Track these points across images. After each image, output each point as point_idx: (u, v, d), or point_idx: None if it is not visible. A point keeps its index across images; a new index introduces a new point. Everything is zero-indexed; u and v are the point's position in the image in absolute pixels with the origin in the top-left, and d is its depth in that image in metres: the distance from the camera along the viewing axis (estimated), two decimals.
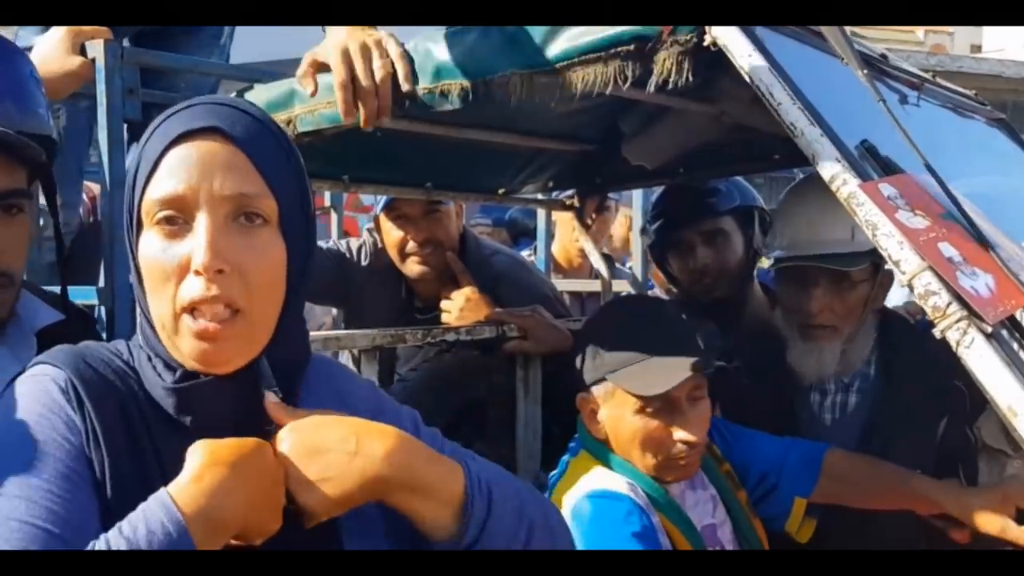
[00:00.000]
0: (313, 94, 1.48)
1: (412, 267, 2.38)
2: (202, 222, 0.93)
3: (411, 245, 2.36)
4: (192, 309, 0.93)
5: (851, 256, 1.85)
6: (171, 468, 0.91)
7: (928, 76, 1.75)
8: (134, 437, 0.95)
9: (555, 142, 2.20)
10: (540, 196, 2.77)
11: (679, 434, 1.55)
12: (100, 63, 1.64)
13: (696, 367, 1.52)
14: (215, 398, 0.96)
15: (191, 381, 0.96)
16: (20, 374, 0.99)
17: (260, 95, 1.65)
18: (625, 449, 1.60)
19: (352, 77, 1.42)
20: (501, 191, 2.57)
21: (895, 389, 1.92)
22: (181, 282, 0.93)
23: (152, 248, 0.95)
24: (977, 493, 1.62)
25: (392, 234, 2.39)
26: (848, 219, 1.86)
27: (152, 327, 0.98)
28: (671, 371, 1.53)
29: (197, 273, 0.92)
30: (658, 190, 2.65)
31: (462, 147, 2.01)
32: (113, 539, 0.83)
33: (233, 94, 1.67)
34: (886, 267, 1.93)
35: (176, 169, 0.94)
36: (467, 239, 2.47)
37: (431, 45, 1.44)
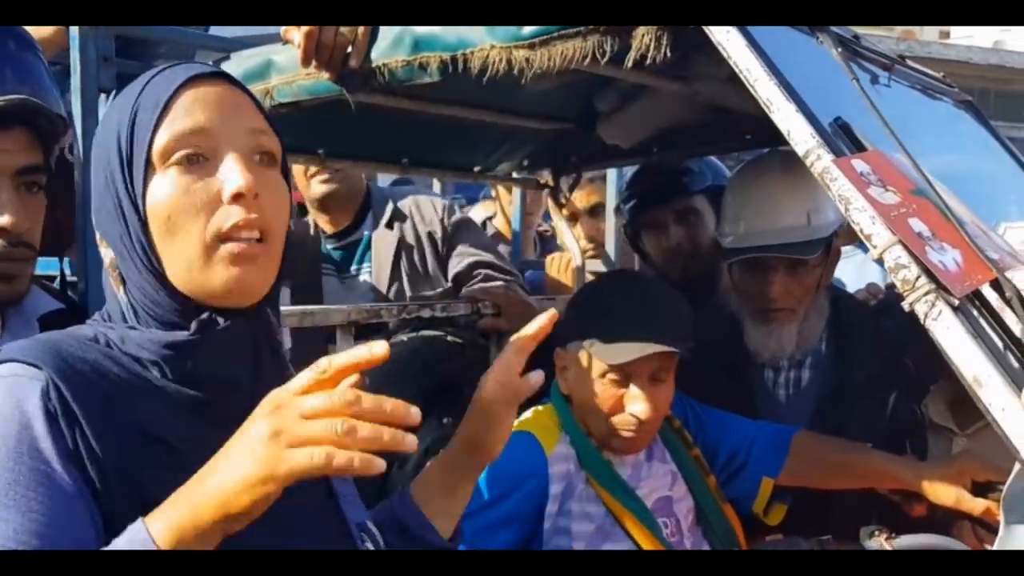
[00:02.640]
0: (299, 47, 1.49)
1: (316, 188, 2.38)
2: (230, 154, 0.94)
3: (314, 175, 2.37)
4: (227, 238, 0.93)
5: (809, 243, 1.89)
6: (181, 443, 0.90)
7: (898, 58, 1.77)
8: (124, 425, 0.90)
9: (531, 120, 2.20)
10: (515, 175, 2.78)
11: (631, 407, 1.63)
12: (74, 30, 1.62)
13: (659, 350, 1.59)
14: (234, 343, 0.95)
15: (211, 329, 0.94)
16: None
17: (237, 65, 1.64)
18: (582, 409, 1.69)
19: (320, 30, 1.46)
20: (476, 168, 2.58)
21: (847, 365, 1.97)
22: (212, 214, 0.93)
23: (173, 187, 0.93)
24: (934, 467, 1.67)
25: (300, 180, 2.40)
26: (803, 204, 1.92)
27: (161, 279, 0.94)
28: (636, 347, 1.59)
29: (236, 197, 0.92)
30: (630, 170, 2.67)
31: (438, 124, 2.01)
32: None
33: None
34: (836, 242, 1.98)
35: (193, 107, 0.95)
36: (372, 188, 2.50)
37: None
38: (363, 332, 2.10)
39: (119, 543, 0.80)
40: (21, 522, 0.82)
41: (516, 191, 2.96)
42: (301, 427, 0.78)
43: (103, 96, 1.73)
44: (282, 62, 1.59)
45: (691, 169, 2.45)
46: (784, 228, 1.90)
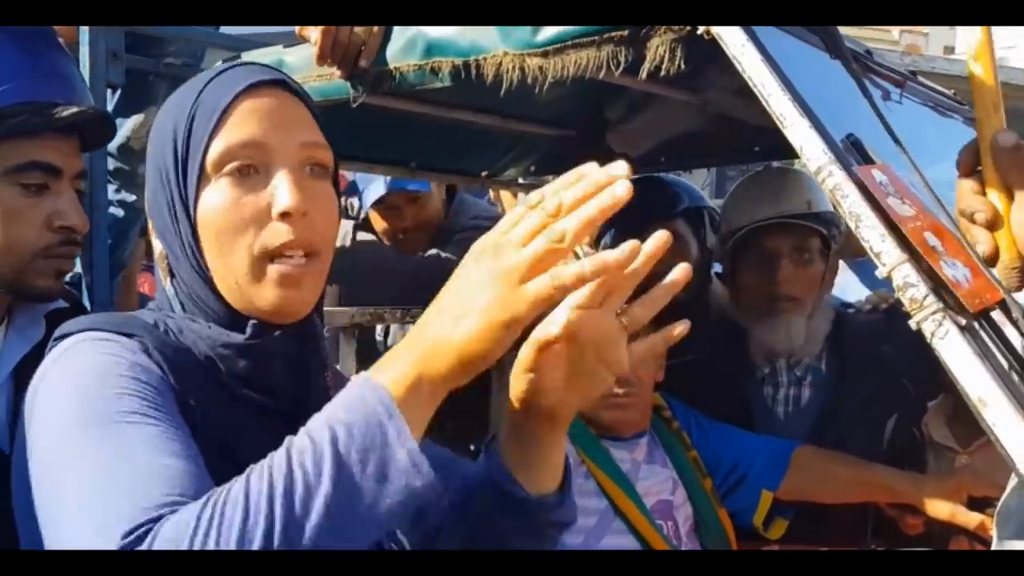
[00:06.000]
0: (315, 44, 1.48)
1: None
2: (282, 169, 0.94)
3: (400, 235, 2.57)
4: (274, 256, 0.93)
5: (812, 217, 1.96)
6: (226, 435, 0.91)
7: (908, 74, 1.77)
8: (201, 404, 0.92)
9: (540, 126, 2.20)
10: (522, 180, 2.77)
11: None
12: (84, 26, 1.62)
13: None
14: (284, 350, 0.96)
15: (265, 335, 0.95)
16: (54, 344, 0.93)
17: None
18: None
19: (336, 28, 1.46)
20: (484, 173, 2.58)
21: (846, 385, 1.98)
22: (260, 230, 0.93)
23: (224, 200, 0.94)
24: (933, 481, 1.69)
25: (380, 224, 2.58)
26: (803, 194, 1.98)
27: (209, 284, 0.96)
28: None
29: (283, 216, 0.92)
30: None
31: (447, 128, 2.00)
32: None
33: (219, 63, 1.66)
34: (834, 247, 2.02)
35: (250, 118, 0.94)
36: (458, 202, 2.65)
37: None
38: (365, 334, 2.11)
39: (341, 401, 0.78)
40: (148, 433, 0.82)
41: (523, 197, 2.96)
42: (524, 254, 0.77)
43: (111, 92, 1.73)
44: (293, 62, 1.58)
45: (666, 193, 2.39)
46: (785, 212, 1.97)
